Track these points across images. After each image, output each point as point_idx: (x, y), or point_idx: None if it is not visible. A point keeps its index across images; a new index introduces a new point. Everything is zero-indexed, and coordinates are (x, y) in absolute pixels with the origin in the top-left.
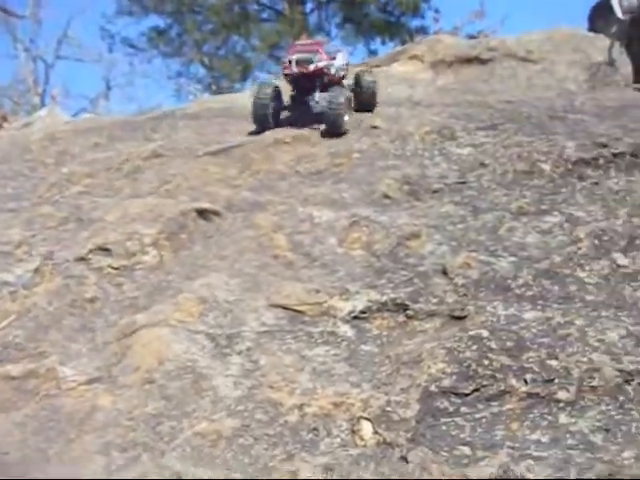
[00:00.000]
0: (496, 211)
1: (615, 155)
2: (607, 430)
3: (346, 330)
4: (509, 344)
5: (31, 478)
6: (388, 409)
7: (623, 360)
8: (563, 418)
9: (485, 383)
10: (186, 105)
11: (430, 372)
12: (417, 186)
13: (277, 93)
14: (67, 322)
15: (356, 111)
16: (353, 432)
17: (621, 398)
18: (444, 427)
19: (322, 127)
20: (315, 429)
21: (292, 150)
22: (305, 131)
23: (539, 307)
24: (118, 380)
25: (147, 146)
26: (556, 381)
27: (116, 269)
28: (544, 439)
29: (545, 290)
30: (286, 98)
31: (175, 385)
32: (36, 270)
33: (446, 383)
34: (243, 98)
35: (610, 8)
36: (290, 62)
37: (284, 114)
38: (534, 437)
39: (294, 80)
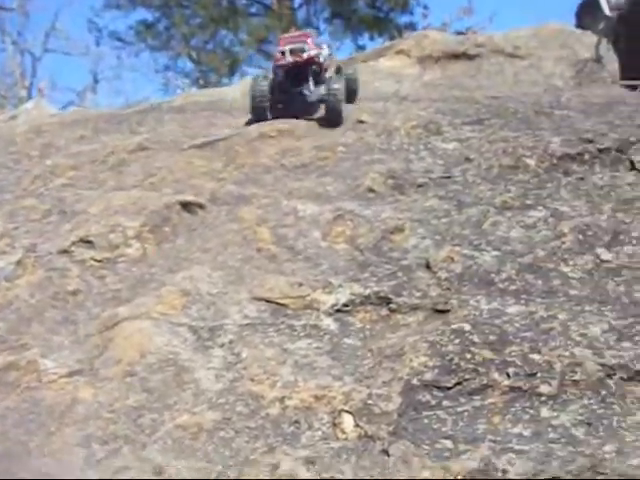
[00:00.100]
0: (480, 205)
1: (600, 151)
2: (589, 424)
3: (329, 323)
4: (492, 338)
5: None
6: (370, 402)
7: (605, 354)
8: (545, 412)
9: (467, 377)
10: (172, 98)
11: (412, 365)
12: (402, 180)
13: (271, 85)
14: (49, 314)
15: None
16: (334, 425)
17: (603, 392)
18: (426, 420)
19: (316, 116)
20: (296, 422)
21: (277, 144)
22: (293, 124)
23: (522, 301)
24: (99, 373)
25: (132, 139)
26: (538, 375)
27: (99, 262)
28: (526, 433)
29: (528, 284)
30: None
31: (157, 378)
32: (18, 262)
33: (428, 377)
34: (229, 92)
35: (597, 5)
36: (283, 53)
37: (278, 106)
38: (516, 431)
39: (287, 71)
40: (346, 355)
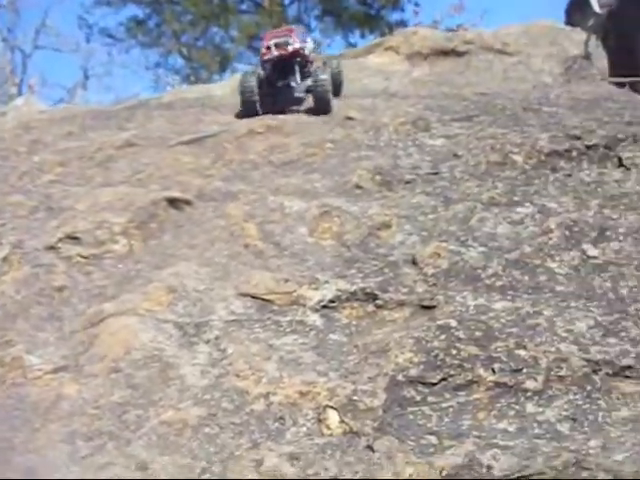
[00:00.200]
0: (467, 202)
1: (588, 147)
2: (574, 419)
3: (315, 319)
4: (477, 334)
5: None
6: (355, 398)
7: (591, 350)
8: (530, 407)
9: (453, 373)
10: (161, 95)
11: (397, 361)
12: (389, 177)
13: (260, 80)
14: (35, 311)
15: None
16: (319, 421)
17: (588, 388)
18: (411, 416)
19: (304, 107)
20: (281, 418)
21: (265, 140)
22: (281, 120)
23: (508, 297)
24: (84, 369)
25: (120, 135)
26: (524, 371)
27: (85, 258)
28: (511, 428)
29: (515, 280)
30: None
31: (142, 374)
32: (4, 259)
33: (413, 372)
34: (218, 89)
35: (587, 2)
36: (269, 47)
37: (267, 99)
38: (501, 426)
39: (273, 65)
40: (332, 351)
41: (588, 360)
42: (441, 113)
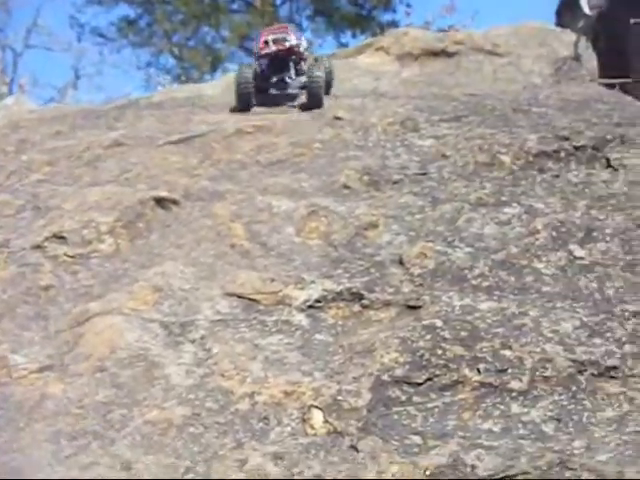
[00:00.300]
0: (455, 202)
1: (576, 148)
2: (558, 420)
3: (301, 319)
4: (463, 334)
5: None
6: (339, 398)
7: (576, 350)
8: (515, 408)
9: (438, 373)
10: (151, 94)
11: (383, 361)
12: (377, 177)
13: (255, 74)
14: (21, 310)
15: None
16: (304, 421)
17: (573, 388)
18: (396, 416)
19: (297, 102)
20: (266, 418)
21: (254, 140)
22: (270, 120)
23: (495, 297)
24: (69, 368)
25: (109, 135)
26: (509, 371)
27: (72, 257)
28: (495, 429)
29: (501, 281)
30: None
31: (127, 373)
32: None
33: (399, 372)
34: (208, 88)
35: (577, 3)
36: (267, 42)
37: (261, 93)
38: (486, 426)
39: (270, 59)
40: (317, 351)
41: (573, 360)
42: (430, 113)
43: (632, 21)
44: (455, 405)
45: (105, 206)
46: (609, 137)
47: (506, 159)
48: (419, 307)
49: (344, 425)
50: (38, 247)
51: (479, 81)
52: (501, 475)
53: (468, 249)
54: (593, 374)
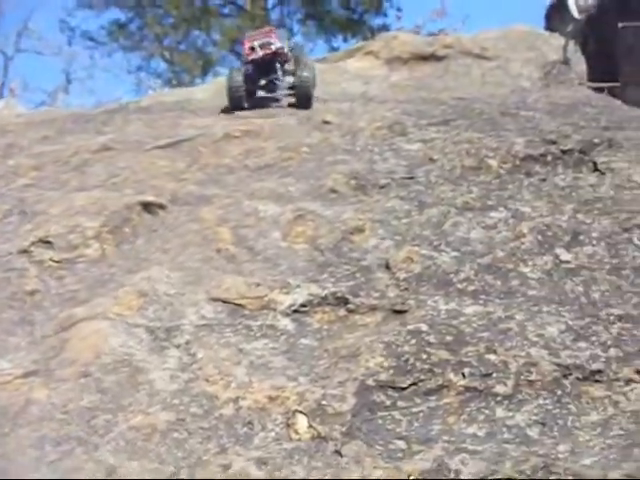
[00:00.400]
0: (441, 206)
1: (564, 152)
2: (543, 424)
3: (286, 324)
4: (448, 338)
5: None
6: (324, 403)
7: (561, 354)
8: (500, 412)
9: (423, 377)
10: (140, 99)
11: (368, 366)
12: (364, 181)
13: (245, 78)
14: (6, 315)
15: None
16: (288, 426)
17: (558, 392)
18: (380, 421)
19: (286, 102)
20: (250, 423)
21: (242, 144)
22: (258, 124)
23: (480, 302)
24: (54, 373)
25: (97, 139)
26: (494, 375)
27: (58, 262)
28: (480, 433)
29: (487, 285)
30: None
31: (111, 379)
32: None
33: (383, 377)
34: (197, 92)
35: (566, 7)
36: (253, 48)
37: (250, 97)
38: (470, 431)
39: (257, 64)
40: (302, 355)
41: (558, 364)
42: (418, 118)
43: (620, 25)
44: (440, 410)
45: (91, 211)
46: (596, 141)
47: (493, 163)
48: (405, 311)
49: (328, 430)
50: (24, 252)
51: (467, 85)
52: None
53: (454, 253)
54: (578, 378)
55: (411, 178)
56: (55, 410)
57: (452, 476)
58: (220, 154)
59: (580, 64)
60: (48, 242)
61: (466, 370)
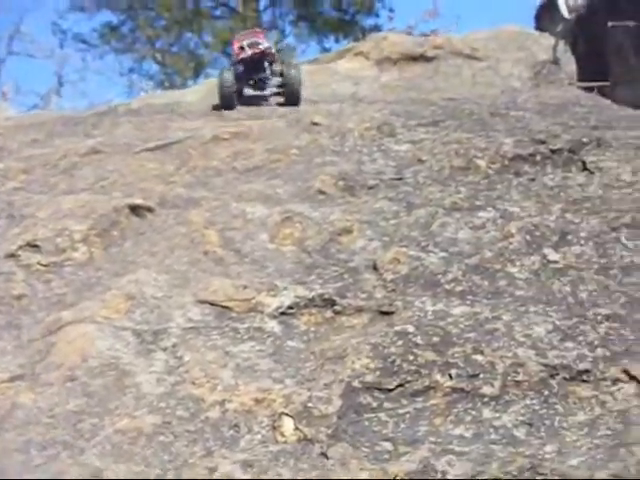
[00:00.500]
0: (430, 207)
1: (553, 151)
2: (530, 424)
3: (273, 326)
4: (435, 339)
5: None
6: (310, 405)
7: (548, 355)
8: (487, 413)
9: (409, 378)
10: (130, 101)
11: (354, 367)
12: (353, 182)
13: (236, 77)
14: None
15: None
16: (274, 428)
17: (545, 392)
18: (366, 423)
19: (274, 101)
20: (236, 425)
21: (230, 146)
22: (247, 126)
23: (468, 302)
24: (41, 377)
25: (86, 142)
26: (481, 376)
27: (45, 266)
28: (467, 434)
29: (474, 285)
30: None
31: (98, 382)
32: None
33: (370, 378)
34: (187, 94)
35: (556, 7)
36: (242, 48)
37: (240, 95)
38: (457, 432)
39: (246, 63)
40: (289, 358)
41: (545, 365)
42: (407, 118)
43: (610, 24)
44: (426, 411)
45: (79, 214)
46: (585, 140)
47: (482, 163)
48: (392, 313)
49: (314, 432)
50: (12, 256)
51: (458, 85)
52: None
53: (442, 254)
54: (565, 378)
55: (399, 179)
56: (41, 414)
57: (438, 477)
58: (209, 156)
59: (570, 64)
60: (36, 246)
61: (453, 371)
